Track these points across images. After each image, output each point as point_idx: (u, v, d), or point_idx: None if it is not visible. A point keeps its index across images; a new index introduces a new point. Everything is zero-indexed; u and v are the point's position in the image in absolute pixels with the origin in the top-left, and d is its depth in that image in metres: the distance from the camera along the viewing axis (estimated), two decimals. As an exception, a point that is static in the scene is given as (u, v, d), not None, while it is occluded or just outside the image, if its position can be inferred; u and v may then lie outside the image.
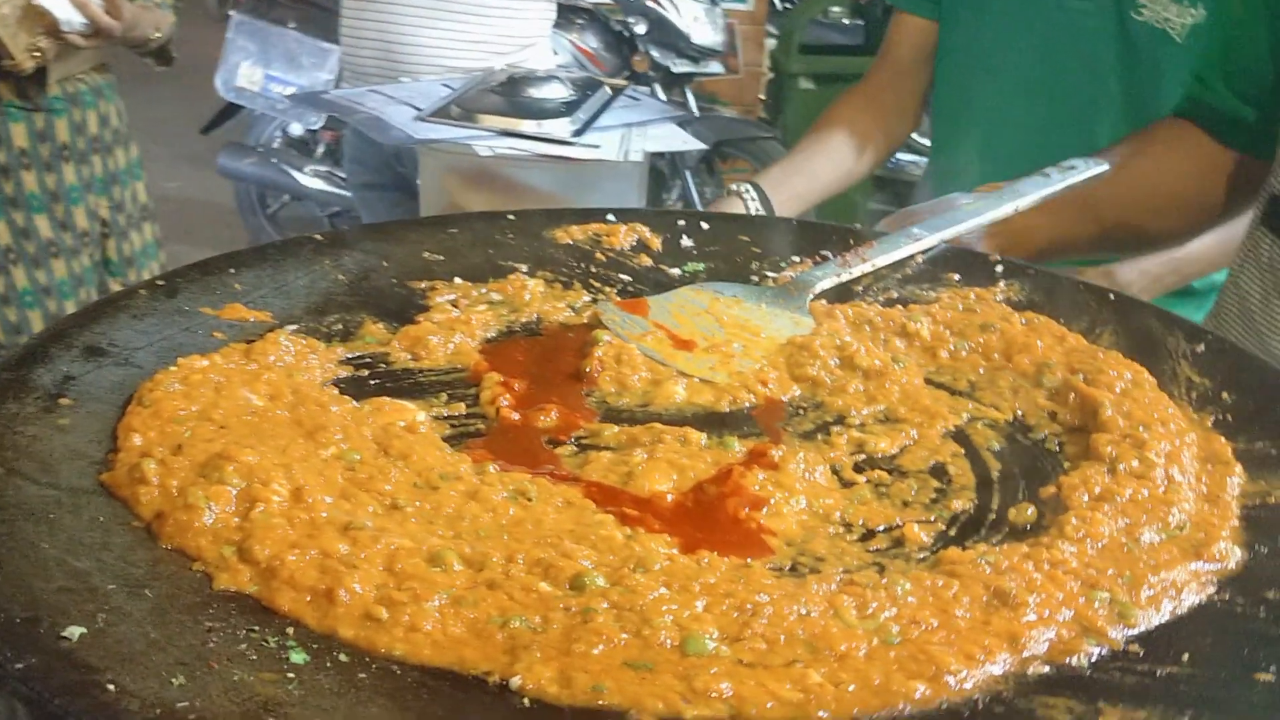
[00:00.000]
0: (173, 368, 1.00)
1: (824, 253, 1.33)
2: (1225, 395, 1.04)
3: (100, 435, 0.92)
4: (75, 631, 0.68)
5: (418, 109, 2.15)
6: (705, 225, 1.40)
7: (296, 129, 5.06)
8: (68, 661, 0.66)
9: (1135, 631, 0.76)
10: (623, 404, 1.08)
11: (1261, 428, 0.99)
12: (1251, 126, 1.59)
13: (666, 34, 4.36)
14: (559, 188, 2.09)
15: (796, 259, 1.33)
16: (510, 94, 2.19)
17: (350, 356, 1.11)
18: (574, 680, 0.69)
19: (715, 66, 4.46)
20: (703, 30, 4.43)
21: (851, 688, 0.69)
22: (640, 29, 4.37)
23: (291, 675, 0.68)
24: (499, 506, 0.87)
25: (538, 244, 1.35)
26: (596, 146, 2.03)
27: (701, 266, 1.32)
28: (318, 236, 1.30)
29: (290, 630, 0.73)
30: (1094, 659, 0.73)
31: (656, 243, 1.36)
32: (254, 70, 4.55)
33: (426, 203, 2.21)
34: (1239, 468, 0.93)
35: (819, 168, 2.03)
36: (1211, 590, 0.80)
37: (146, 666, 0.67)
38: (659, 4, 4.41)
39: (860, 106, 2.17)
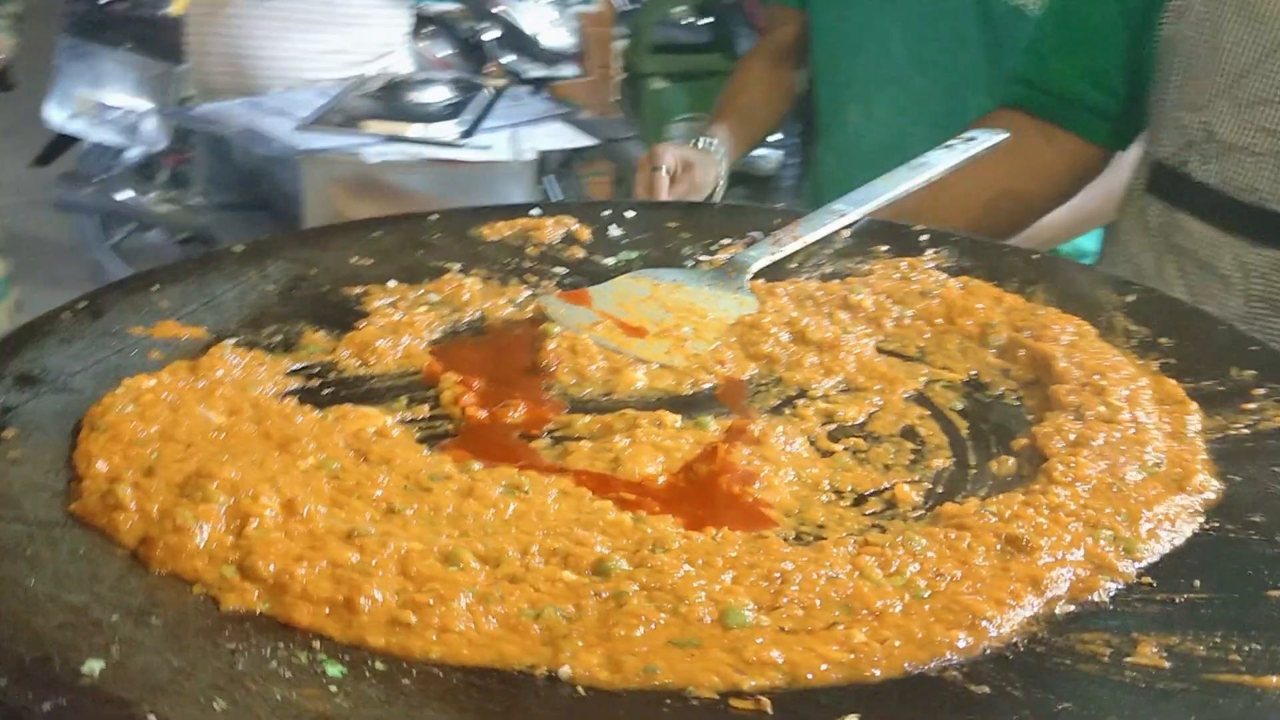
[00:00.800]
0: (119, 390, 0.95)
1: (753, 233, 1.34)
2: (1163, 340, 1.09)
3: (56, 465, 0.87)
4: (94, 666, 0.64)
5: (296, 118, 2.10)
6: (631, 214, 1.39)
7: (134, 155, 4.86)
8: (97, 697, 0.62)
9: (1143, 564, 0.78)
10: (585, 394, 1.07)
11: (1205, 368, 1.03)
12: (1090, 107, 1.60)
13: (518, 39, 4.34)
14: (449, 190, 2.07)
15: (727, 240, 1.33)
16: (390, 99, 2.15)
17: (298, 367, 1.08)
18: (623, 664, 0.68)
19: (569, 70, 4.46)
20: (554, 34, 4.42)
21: (897, 643, 0.70)
22: (491, 35, 4.34)
23: (334, 689, 0.65)
24: (498, 502, 0.85)
25: (466, 242, 1.32)
26: (488, 147, 2.01)
27: (634, 255, 1.31)
28: (238, 248, 1.26)
29: (317, 644, 0.70)
30: (1112, 594, 0.75)
31: (585, 234, 1.35)
32: (88, 96, 4.35)
33: (312, 215, 2.16)
34: (1194, 406, 0.97)
35: (748, 124, 2.07)
36: (1200, 520, 0.83)
37: (181, 694, 0.63)
38: (509, 9, 4.38)
39: (756, 76, 2.22)
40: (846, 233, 1.34)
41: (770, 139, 4.84)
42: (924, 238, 1.32)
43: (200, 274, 1.20)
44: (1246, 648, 0.68)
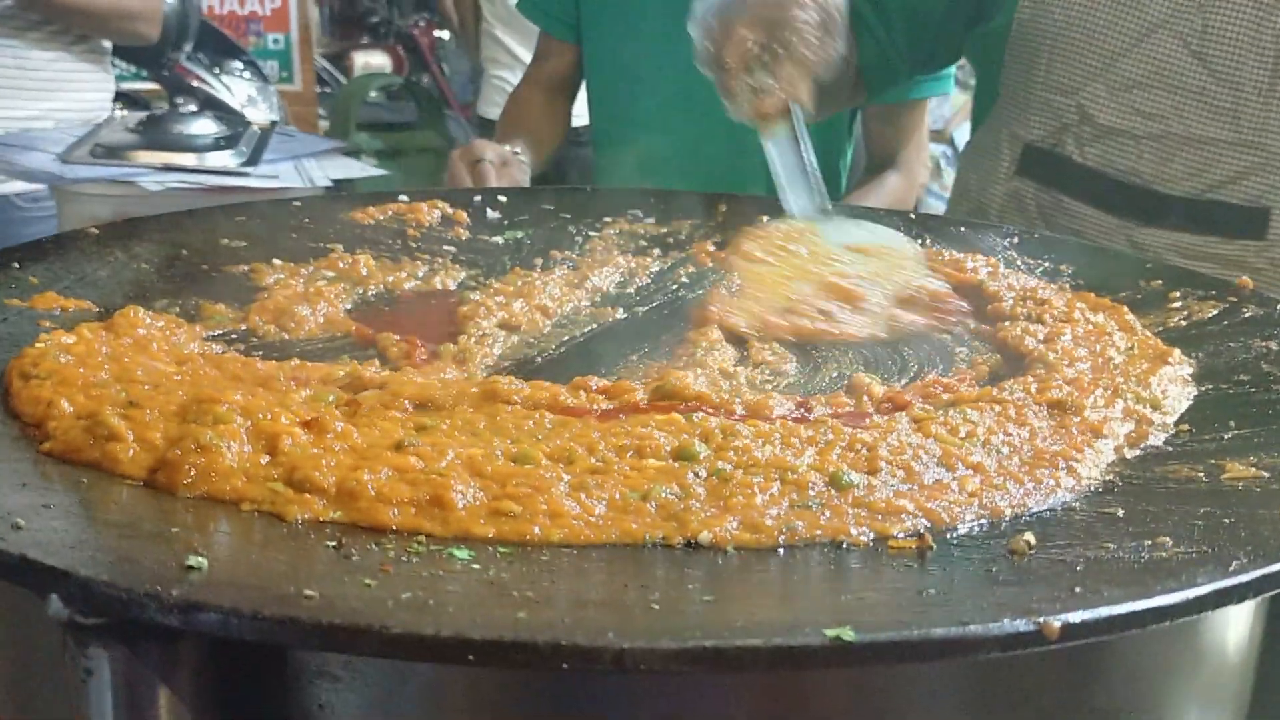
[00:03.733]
0: (38, 344, 0.82)
1: (632, 211, 1.33)
2: (1064, 268, 1.16)
3: (-6, 416, 0.73)
4: (199, 561, 0.53)
5: (52, 153, 1.90)
6: (503, 199, 1.35)
7: None
8: (230, 588, 0.51)
9: (1173, 417, 0.82)
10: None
11: (1117, 283, 1.10)
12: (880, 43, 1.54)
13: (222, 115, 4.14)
14: (229, 227, 1.92)
15: (609, 218, 1.31)
16: (155, 132, 1.99)
17: (214, 334, 0.96)
18: (761, 526, 0.64)
19: (275, 146, 4.29)
20: (257, 111, 4.25)
21: (1012, 485, 0.69)
22: (189, 110, 4.12)
23: (478, 566, 0.57)
24: (534, 415, 0.78)
25: (340, 226, 1.24)
26: (275, 177, 1.89)
27: (521, 233, 1.27)
28: (93, 230, 1.12)
29: (421, 538, 0.61)
30: (1164, 440, 0.78)
31: (463, 216, 1.29)
32: None
33: (70, 259, 1.95)
34: (1126, 308, 1.04)
35: (534, 147, 2.02)
36: (1194, 384, 0.88)
37: (321, 577, 0.53)
38: (208, 85, 4.18)
39: (533, 105, 2.18)
40: (724, 206, 1.36)
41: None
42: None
43: (60, 254, 1.05)
44: (1320, 457, 0.72)
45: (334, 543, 0.59)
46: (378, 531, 0.62)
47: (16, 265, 1.00)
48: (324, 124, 4.85)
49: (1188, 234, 1.29)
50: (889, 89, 1.64)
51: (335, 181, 1.94)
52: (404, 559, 0.58)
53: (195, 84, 4.21)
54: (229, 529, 0.60)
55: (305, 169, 1.96)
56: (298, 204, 1.27)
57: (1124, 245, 1.31)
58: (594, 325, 1.05)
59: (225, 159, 1.92)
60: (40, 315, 0.92)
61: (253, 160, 1.93)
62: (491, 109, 4.20)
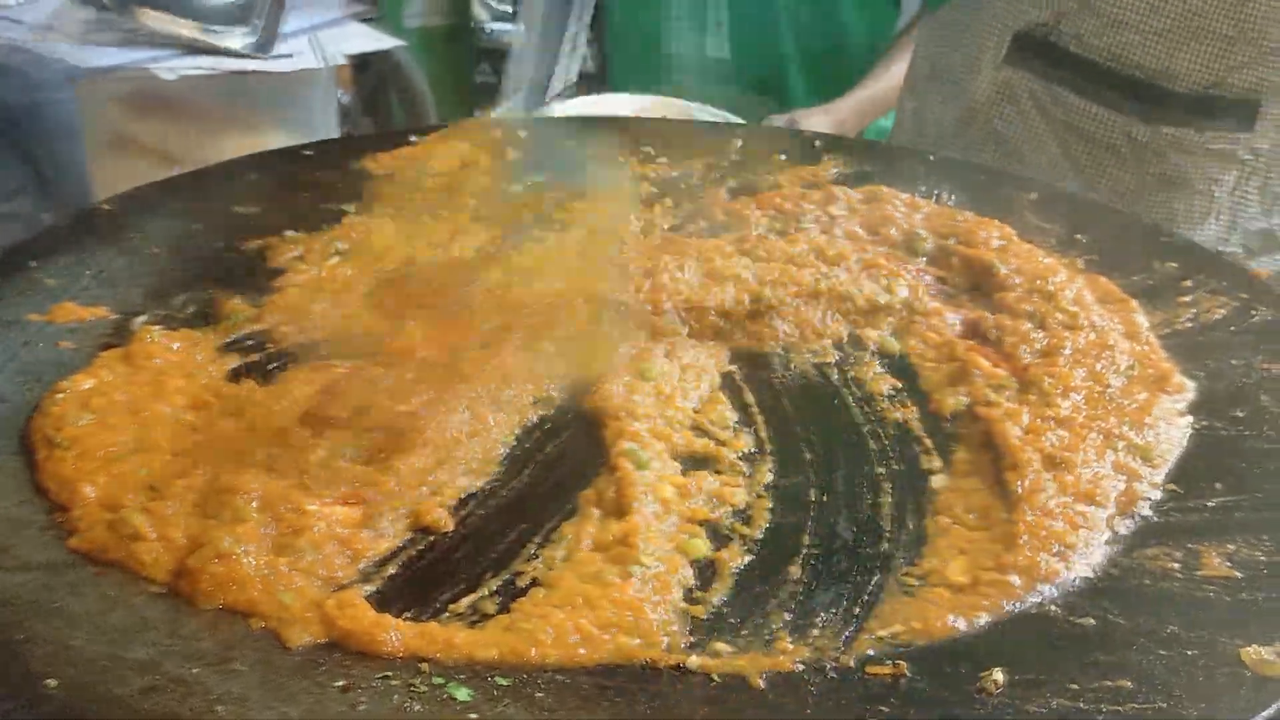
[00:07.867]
0: (57, 395, 0.85)
1: (645, 148, 1.31)
2: (1079, 237, 1.14)
3: (24, 493, 0.77)
4: (217, 737, 0.58)
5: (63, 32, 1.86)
6: (523, 133, 1.33)
7: None
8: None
9: (1163, 471, 0.83)
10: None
11: (1129, 262, 1.09)
12: None
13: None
14: (248, 103, 1.90)
15: (635, 159, 1.30)
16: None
17: (231, 341, 0.98)
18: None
19: None
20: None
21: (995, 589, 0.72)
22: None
23: (475, 716, 0.62)
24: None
25: (353, 178, 1.23)
26: (290, 55, 1.85)
27: (541, 177, 1.26)
28: (106, 206, 1.13)
29: (425, 666, 0.65)
30: (1151, 504, 0.80)
31: (484, 159, 1.28)
32: None
33: (92, 140, 1.94)
34: (1135, 303, 1.03)
35: None
36: (1189, 419, 0.89)
37: (330, 752, 0.58)
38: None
39: None
40: (739, 141, 1.33)
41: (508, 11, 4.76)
42: (818, 143, 1.33)
43: (77, 242, 1.07)
44: (1298, 548, 0.74)
45: (343, 682, 0.63)
46: (386, 657, 0.66)
47: (33, 264, 1.02)
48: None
49: (1189, 129, 1.29)
50: None
51: (349, 57, 1.91)
52: (408, 705, 0.62)
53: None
54: (245, 663, 0.64)
55: (320, 43, 1.91)
56: (309, 152, 1.27)
57: (1123, 141, 1.30)
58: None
59: (238, 38, 1.87)
60: (59, 333, 0.95)
61: (266, 38, 1.88)
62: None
